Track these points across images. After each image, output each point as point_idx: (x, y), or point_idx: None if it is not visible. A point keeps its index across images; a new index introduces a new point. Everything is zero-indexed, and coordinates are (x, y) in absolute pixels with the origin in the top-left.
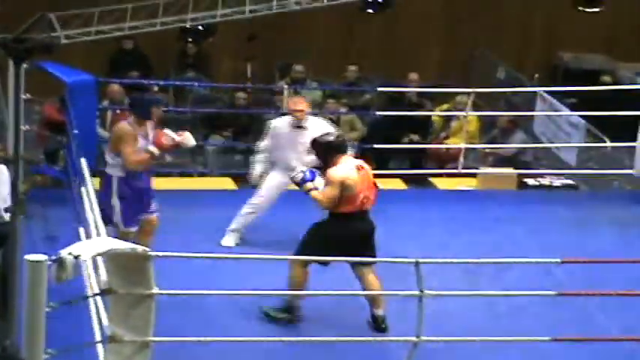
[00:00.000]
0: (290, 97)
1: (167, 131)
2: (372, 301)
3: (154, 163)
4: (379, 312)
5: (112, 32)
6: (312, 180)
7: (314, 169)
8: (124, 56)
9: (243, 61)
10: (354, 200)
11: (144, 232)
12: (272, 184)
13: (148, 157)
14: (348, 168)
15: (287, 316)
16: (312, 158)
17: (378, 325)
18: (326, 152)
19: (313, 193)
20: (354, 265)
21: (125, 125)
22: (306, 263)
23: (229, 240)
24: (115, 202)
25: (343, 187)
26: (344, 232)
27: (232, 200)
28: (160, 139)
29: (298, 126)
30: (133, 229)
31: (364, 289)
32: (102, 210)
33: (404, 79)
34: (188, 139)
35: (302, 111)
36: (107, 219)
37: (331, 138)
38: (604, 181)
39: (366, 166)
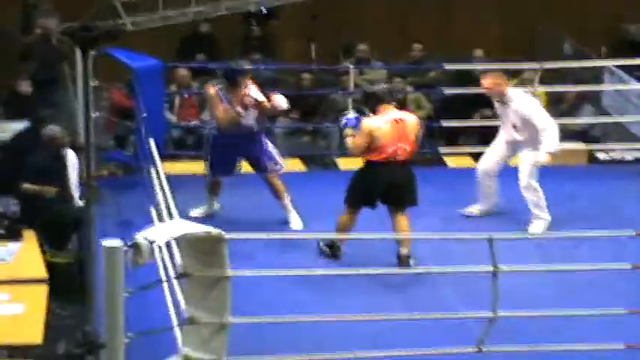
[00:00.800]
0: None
1: (252, 92)
2: (398, 241)
3: (241, 121)
4: (404, 251)
5: (177, 17)
6: (354, 126)
7: (359, 116)
8: (196, 40)
9: (307, 42)
10: (383, 150)
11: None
12: (492, 149)
13: (233, 116)
14: (383, 119)
15: (329, 251)
16: (520, 136)
17: (402, 263)
18: (369, 102)
19: (348, 138)
20: (394, 207)
21: (210, 90)
22: (352, 208)
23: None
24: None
25: (372, 136)
26: (372, 179)
27: (301, 181)
28: (243, 99)
29: (500, 101)
30: (217, 177)
31: (394, 229)
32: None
33: (467, 57)
34: (279, 100)
35: (488, 89)
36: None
37: (375, 88)
38: None
39: (409, 118)
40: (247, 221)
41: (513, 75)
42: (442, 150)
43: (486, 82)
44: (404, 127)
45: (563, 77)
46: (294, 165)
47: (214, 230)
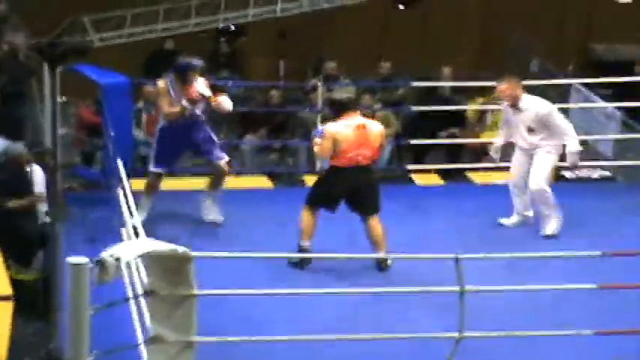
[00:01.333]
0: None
1: (200, 86)
2: (374, 244)
3: (187, 115)
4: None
5: (144, 34)
6: (321, 135)
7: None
8: (162, 57)
9: (275, 60)
10: (344, 155)
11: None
12: (514, 164)
13: (179, 109)
14: (344, 125)
15: (298, 260)
16: (536, 137)
17: (381, 266)
18: (333, 108)
19: (316, 146)
20: (360, 213)
21: (160, 83)
22: (313, 209)
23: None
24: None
25: (334, 141)
26: (333, 182)
27: (269, 198)
28: (191, 92)
29: (513, 106)
30: (160, 170)
31: (367, 234)
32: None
33: (438, 75)
34: (224, 101)
35: (502, 92)
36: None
37: (338, 96)
38: None
39: (372, 126)
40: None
41: (484, 92)
42: (410, 167)
43: (502, 86)
44: (366, 133)
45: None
46: (262, 182)
47: (180, 248)
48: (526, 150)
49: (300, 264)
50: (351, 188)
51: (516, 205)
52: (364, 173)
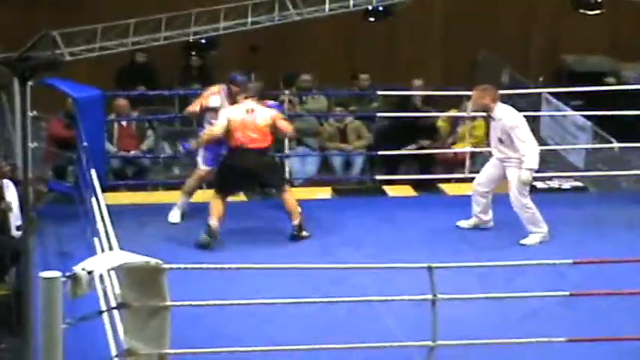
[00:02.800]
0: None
1: (212, 100)
2: (288, 214)
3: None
4: (295, 222)
5: (115, 48)
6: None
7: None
8: (133, 70)
9: (247, 72)
10: (234, 137)
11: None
12: (485, 167)
13: (190, 111)
14: (237, 109)
15: (208, 239)
16: (504, 148)
17: (296, 234)
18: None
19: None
20: (268, 190)
21: (213, 87)
22: (219, 194)
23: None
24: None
25: (228, 123)
26: (229, 163)
27: (243, 211)
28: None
29: (489, 116)
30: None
31: (285, 207)
32: None
33: (409, 87)
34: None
35: (473, 101)
36: None
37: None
38: (612, 182)
39: (260, 109)
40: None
41: (455, 104)
42: (381, 178)
43: (474, 95)
44: (254, 117)
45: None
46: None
47: (152, 260)
48: (499, 159)
49: (207, 245)
50: (244, 170)
51: (474, 207)
52: (255, 155)
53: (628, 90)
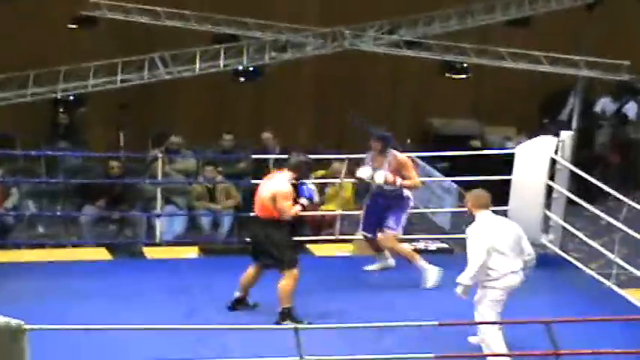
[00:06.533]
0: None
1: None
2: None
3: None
4: (279, 307)
5: None
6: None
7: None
8: None
9: (115, 130)
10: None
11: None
12: None
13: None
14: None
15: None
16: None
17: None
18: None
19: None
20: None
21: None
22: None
23: None
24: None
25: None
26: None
27: (108, 270)
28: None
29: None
30: (367, 234)
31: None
32: None
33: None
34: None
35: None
36: None
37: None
38: None
39: (268, 181)
40: None
41: (323, 166)
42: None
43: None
44: (262, 187)
45: None
46: (100, 254)
47: (14, 321)
48: None
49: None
50: (250, 237)
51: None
52: (257, 224)
53: (492, 154)
